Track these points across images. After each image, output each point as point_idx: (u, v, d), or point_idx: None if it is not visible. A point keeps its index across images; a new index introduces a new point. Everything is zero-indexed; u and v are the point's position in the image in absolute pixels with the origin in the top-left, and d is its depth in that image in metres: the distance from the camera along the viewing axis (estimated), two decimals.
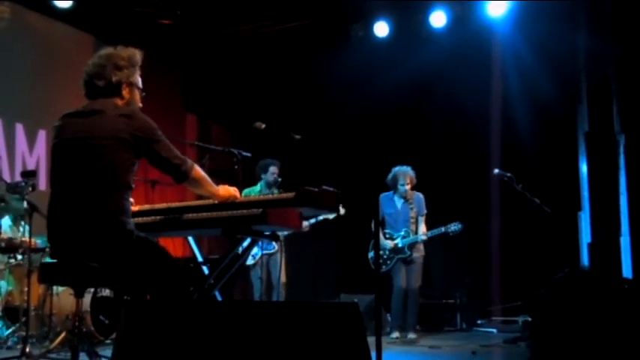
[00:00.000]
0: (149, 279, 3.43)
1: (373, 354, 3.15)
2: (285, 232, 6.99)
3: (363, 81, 9.40)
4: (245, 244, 4.08)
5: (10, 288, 6.13)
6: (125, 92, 3.61)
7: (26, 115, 7.78)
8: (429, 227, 7.59)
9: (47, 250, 5.69)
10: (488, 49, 8.96)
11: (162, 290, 3.46)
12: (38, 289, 6.00)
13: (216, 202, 3.79)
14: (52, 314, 5.87)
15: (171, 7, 9.07)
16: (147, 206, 4.12)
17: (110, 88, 3.57)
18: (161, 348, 2.61)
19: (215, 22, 9.56)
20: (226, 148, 5.15)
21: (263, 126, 4.89)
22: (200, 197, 3.91)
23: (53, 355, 5.29)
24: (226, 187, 3.79)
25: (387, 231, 7.59)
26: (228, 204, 3.76)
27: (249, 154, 5.20)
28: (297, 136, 5.01)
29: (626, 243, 7.52)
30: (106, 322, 6.17)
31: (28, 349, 5.10)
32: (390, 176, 7.60)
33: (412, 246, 7.46)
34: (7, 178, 6.71)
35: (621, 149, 7.75)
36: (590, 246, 8.07)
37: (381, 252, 7.48)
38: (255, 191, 7.43)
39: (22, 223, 6.08)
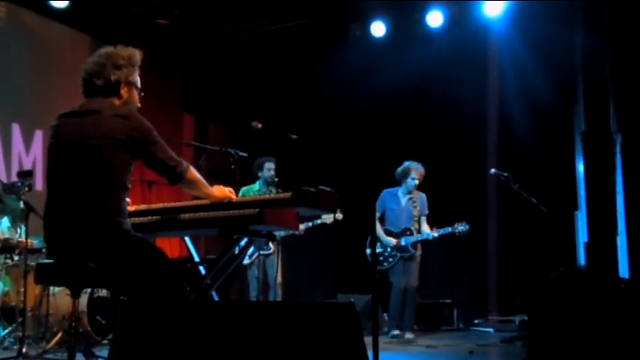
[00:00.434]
0: (145, 279, 3.42)
1: (370, 354, 3.15)
2: (282, 233, 7.01)
3: (360, 81, 9.40)
4: (242, 244, 4.08)
5: (7, 288, 6.12)
6: (124, 92, 3.61)
7: (23, 115, 7.76)
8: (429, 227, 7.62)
9: (44, 250, 5.68)
10: (485, 48, 8.97)
11: (158, 290, 3.45)
12: (35, 290, 5.99)
13: (211, 202, 3.79)
14: (49, 315, 5.87)
15: (169, 6, 9.06)
16: (143, 206, 4.12)
17: (109, 87, 3.57)
18: (158, 348, 2.61)
19: (212, 22, 9.56)
20: (223, 148, 5.14)
21: (260, 126, 4.89)
22: (197, 197, 3.91)
23: (50, 356, 5.29)
24: (221, 187, 3.79)
25: (387, 227, 7.57)
26: (225, 204, 3.76)
27: (245, 154, 5.19)
28: (294, 136, 5.01)
29: (623, 242, 7.52)
30: (103, 322, 6.16)
31: (24, 350, 5.09)
32: (400, 169, 7.56)
33: (414, 244, 7.47)
34: (3, 178, 6.70)
35: (618, 149, 7.74)
36: (587, 245, 8.07)
37: (382, 249, 7.48)
38: (254, 189, 7.45)
39: (19, 223, 6.07)
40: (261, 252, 7.36)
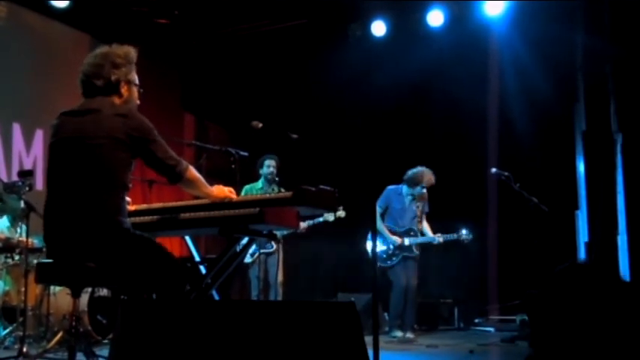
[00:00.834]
0: (146, 278, 3.42)
1: (370, 353, 3.15)
2: (284, 232, 7.01)
3: (361, 80, 9.38)
4: (242, 243, 4.08)
5: (8, 288, 6.12)
6: (124, 90, 3.62)
7: (23, 115, 7.77)
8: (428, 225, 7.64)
9: (44, 249, 5.68)
10: (486, 48, 8.95)
11: (160, 289, 3.45)
12: (35, 289, 6.00)
13: (211, 201, 3.79)
14: (50, 314, 5.87)
15: (169, 6, 9.05)
16: (144, 206, 4.12)
17: (109, 87, 3.57)
18: (158, 347, 2.61)
19: (212, 22, 9.55)
20: (223, 147, 5.14)
21: (260, 125, 4.89)
22: (197, 197, 3.91)
23: (50, 355, 5.28)
24: (221, 187, 3.80)
25: (390, 226, 7.55)
26: (226, 203, 3.77)
27: (246, 154, 5.19)
28: (295, 136, 5.01)
29: (624, 242, 7.52)
30: (104, 321, 6.17)
31: (25, 349, 5.09)
32: (412, 173, 7.51)
33: (417, 245, 7.48)
34: (4, 177, 6.70)
35: (618, 148, 7.74)
36: (588, 245, 8.07)
37: (385, 247, 7.47)
38: (256, 187, 7.48)
39: (20, 223, 6.07)
40: (263, 251, 7.36)
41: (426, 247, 7.69)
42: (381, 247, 7.44)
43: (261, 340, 2.79)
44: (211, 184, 3.79)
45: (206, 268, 4.02)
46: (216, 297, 4.24)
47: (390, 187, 7.63)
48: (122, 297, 3.89)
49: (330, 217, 7.30)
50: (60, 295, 6.00)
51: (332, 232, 8.19)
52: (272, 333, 2.82)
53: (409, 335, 7.32)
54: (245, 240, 4.06)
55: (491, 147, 8.73)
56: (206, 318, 2.74)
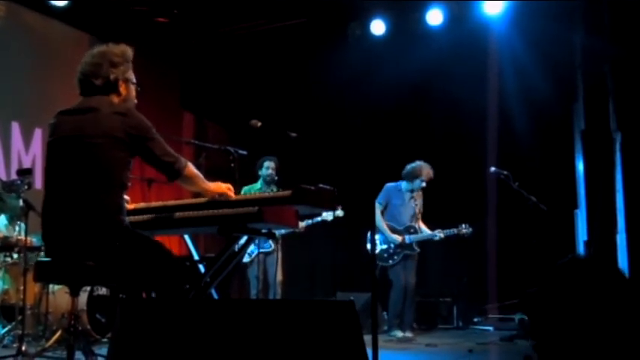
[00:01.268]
0: (145, 277, 3.42)
1: (369, 352, 3.15)
2: (283, 231, 7.01)
3: (360, 79, 9.39)
4: (241, 242, 4.08)
5: (6, 287, 6.12)
6: (122, 89, 3.62)
7: (22, 114, 7.76)
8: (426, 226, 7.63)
9: (43, 248, 5.68)
10: (485, 47, 8.95)
11: (158, 288, 3.46)
12: (34, 288, 6.00)
13: (212, 199, 3.79)
14: (48, 313, 5.87)
15: (168, 5, 9.05)
16: (142, 204, 4.12)
17: (108, 85, 3.57)
18: (157, 346, 2.60)
19: (212, 21, 9.55)
20: (222, 146, 5.13)
21: (259, 124, 4.89)
22: (196, 196, 3.91)
23: (49, 354, 5.29)
24: (219, 183, 3.80)
25: (390, 223, 7.54)
26: (224, 202, 3.76)
27: (245, 153, 5.19)
28: (294, 134, 5.01)
29: (623, 241, 7.52)
30: (103, 320, 6.16)
31: (24, 348, 5.09)
32: (411, 167, 7.50)
33: (418, 243, 7.48)
34: (2, 176, 6.71)
35: (617, 147, 7.74)
36: (587, 244, 8.08)
37: (386, 245, 7.47)
38: (255, 188, 7.47)
39: (18, 222, 6.07)
40: (262, 250, 7.36)
41: (426, 245, 7.69)
42: (381, 247, 7.43)
43: (260, 339, 2.79)
44: (210, 182, 3.79)
45: (205, 266, 4.02)
46: (215, 296, 4.24)
47: (390, 184, 7.62)
48: (121, 296, 3.89)
49: (328, 216, 7.30)
50: (59, 294, 6.00)
51: (331, 231, 8.19)
52: (271, 332, 2.82)
53: (408, 334, 7.32)
54: (244, 239, 4.06)
55: (491, 146, 8.73)
56: (205, 317, 2.74)
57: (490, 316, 9.10)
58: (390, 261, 7.47)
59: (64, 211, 3.40)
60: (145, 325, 2.62)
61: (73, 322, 3.88)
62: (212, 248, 8.04)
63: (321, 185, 3.79)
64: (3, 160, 7.50)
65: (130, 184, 3.55)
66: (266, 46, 9.92)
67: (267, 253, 7.45)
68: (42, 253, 5.77)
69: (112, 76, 3.57)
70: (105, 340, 6.08)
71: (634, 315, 2.20)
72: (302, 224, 7.39)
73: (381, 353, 3.64)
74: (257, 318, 2.84)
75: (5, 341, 5.83)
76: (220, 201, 3.77)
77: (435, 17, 9.04)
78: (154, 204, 4.12)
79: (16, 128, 7.69)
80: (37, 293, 6.03)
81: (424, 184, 7.49)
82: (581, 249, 8.27)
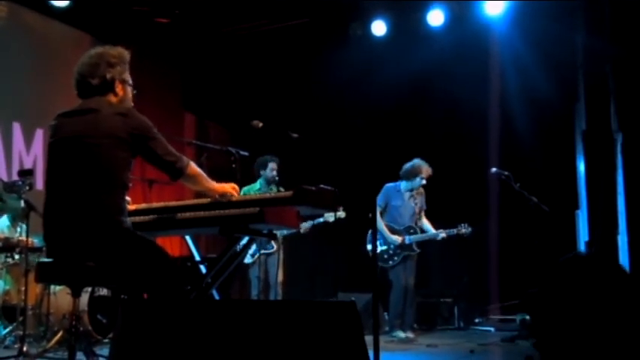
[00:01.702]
0: (146, 278, 3.42)
1: (371, 353, 3.15)
2: (285, 232, 7.01)
3: (361, 80, 9.40)
4: (242, 242, 4.08)
5: (8, 287, 6.13)
6: (118, 89, 3.62)
7: (23, 114, 7.77)
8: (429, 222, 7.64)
9: (44, 249, 5.68)
10: (486, 47, 8.96)
11: (159, 289, 3.45)
12: (35, 289, 6.00)
13: (213, 200, 3.79)
14: (50, 313, 5.87)
15: (169, 5, 9.05)
16: (144, 205, 4.12)
17: (104, 85, 3.57)
18: (158, 347, 2.61)
19: (213, 21, 9.55)
20: (224, 147, 5.13)
21: (260, 124, 4.89)
22: (198, 196, 3.91)
23: (50, 355, 5.29)
24: (223, 184, 3.80)
25: (389, 224, 7.54)
26: (226, 203, 3.76)
27: (246, 153, 5.19)
28: (295, 135, 5.01)
29: (624, 241, 7.52)
30: (104, 321, 6.16)
31: (25, 349, 5.09)
32: (409, 166, 7.49)
33: (418, 243, 7.48)
34: (4, 177, 6.70)
35: (619, 148, 7.74)
36: (588, 244, 8.07)
37: (386, 247, 7.46)
38: (254, 189, 7.44)
39: (20, 223, 6.07)
40: (264, 251, 7.36)
41: (427, 246, 7.68)
42: (381, 248, 7.43)
43: (261, 339, 2.79)
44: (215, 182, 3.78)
45: (206, 267, 4.02)
46: (217, 296, 4.24)
47: (389, 184, 7.61)
48: (122, 296, 3.89)
49: (330, 217, 7.29)
50: (60, 295, 6.00)
51: (332, 231, 8.18)
52: (272, 333, 2.82)
53: (409, 335, 7.32)
54: (245, 239, 4.06)
55: (492, 146, 8.74)
56: (206, 317, 2.74)
57: (491, 316, 9.09)
58: (390, 262, 7.47)
59: (66, 212, 3.40)
60: (147, 326, 2.62)
61: (74, 322, 3.88)
62: (213, 249, 8.05)
63: (322, 186, 3.79)
64: (4, 161, 7.50)
65: (130, 184, 3.55)
66: (267, 46, 9.93)
67: (268, 254, 7.45)
68: (43, 254, 5.79)
69: (108, 76, 3.57)
70: (106, 340, 6.07)
71: (635, 312, 2.20)
72: (306, 225, 7.38)
73: (382, 354, 3.64)
74: (258, 319, 2.84)
75: (7, 342, 5.84)
76: (222, 202, 3.77)
77: (436, 18, 9.04)
78: (155, 205, 4.12)
79: (17, 129, 7.69)
80: (39, 294, 6.03)
81: (424, 182, 7.48)
82: (582, 249, 8.27)
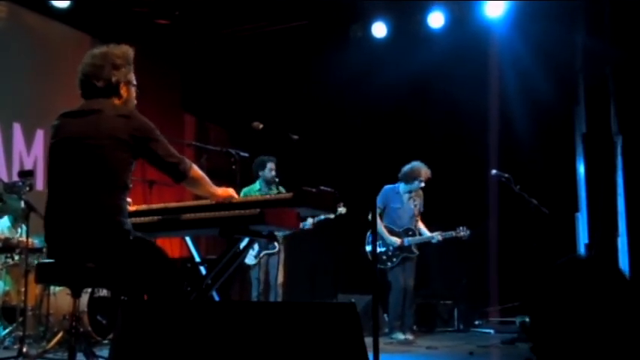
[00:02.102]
0: (146, 279, 3.42)
1: (370, 355, 3.15)
2: (284, 233, 7.01)
3: (361, 81, 9.40)
4: (243, 244, 4.08)
5: (8, 288, 6.13)
6: (123, 91, 3.61)
7: (24, 115, 7.77)
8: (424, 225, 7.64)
9: (44, 250, 5.68)
10: (486, 49, 8.96)
11: (159, 290, 3.45)
12: (35, 289, 5.99)
13: (213, 202, 3.79)
14: (50, 314, 5.87)
15: (169, 7, 9.06)
16: (144, 206, 4.12)
17: (109, 88, 3.56)
18: (158, 348, 2.61)
19: (213, 23, 9.56)
20: (224, 148, 5.14)
21: (261, 126, 4.89)
22: (198, 197, 3.91)
23: (50, 356, 5.29)
24: (225, 188, 3.80)
25: (388, 226, 7.54)
26: (226, 204, 3.76)
27: (246, 155, 5.19)
28: (295, 136, 5.01)
29: (624, 244, 7.53)
30: (104, 322, 6.16)
31: (25, 349, 5.09)
32: (408, 168, 7.49)
33: (417, 245, 7.48)
34: (4, 177, 6.70)
35: (619, 150, 7.75)
36: (588, 247, 8.08)
37: (385, 248, 7.47)
38: (254, 189, 7.45)
39: (22, 224, 6.07)
40: (266, 251, 7.36)
41: (427, 248, 7.69)
42: (380, 249, 7.43)
43: (261, 341, 2.79)
44: (217, 187, 3.78)
45: (206, 268, 4.02)
46: (217, 298, 4.24)
47: (387, 186, 7.61)
48: (122, 297, 3.89)
49: (331, 214, 7.29)
50: (60, 296, 6.00)
51: (332, 233, 8.19)
52: (272, 334, 2.82)
53: (409, 337, 7.32)
54: (245, 241, 4.06)
55: (492, 149, 8.74)
56: (206, 319, 2.74)
57: (491, 318, 9.09)
58: (389, 263, 7.47)
59: (66, 213, 3.41)
60: (147, 327, 2.62)
61: (74, 323, 3.89)
62: (213, 250, 8.05)
63: (322, 187, 3.79)
64: (4, 162, 7.50)
65: (131, 185, 3.55)
66: (267, 47, 9.93)
67: (270, 254, 7.44)
68: (43, 255, 5.79)
69: (113, 79, 3.56)
70: (106, 341, 6.07)
71: (634, 316, 2.20)
72: (310, 220, 7.36)
73: (382, 356, 3.64)
74: (258, 320, 2.84)
75: (6, 343, 5.83)
76: (222, 203, 3.77)
77: (436, 19, 9.05)
78: (155, 206, 4.12)
79: (17, 129, 7.70)
80: (39, 295, 6.02)
81: (423, 185, 7.49)
82: (582, 252, 8.27)
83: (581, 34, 8.40)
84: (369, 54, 9.37)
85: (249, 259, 7.36)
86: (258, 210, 3.61)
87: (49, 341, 5.62)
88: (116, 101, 3.58)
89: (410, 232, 7.50)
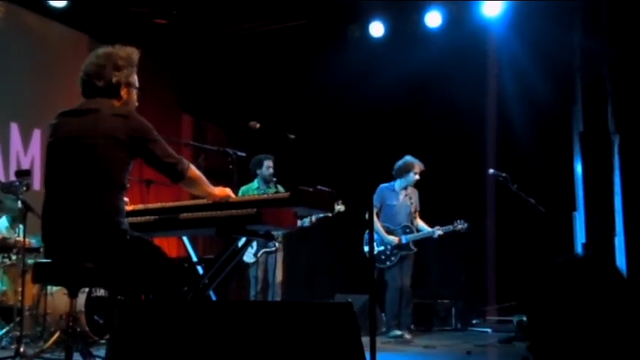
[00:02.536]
0: (143, 279, 3.42)
1: (367, 354, 3.15)
2: (281, 232, 7.01)
3: (359, 81, 9.40)
4: (240, 243, 4.08)
5: (4, 288, 6.12)
6: (123, 93, 3.61)
7: (21, 115, 7.76)
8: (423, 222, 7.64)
9: (41, 249, 5.68)
10: (484, 49, 8.96)
11: (156, 290, 3.45)
12: (32, 289, 5.99)
13: (210, 201, 3.79)
14: (47, 314, 5.87)
15: (167, 6, 9.05)
16: (141, 206, 4.12)
17: (109, 88, 3.56)
18: (155, 348, 2.61)
19: (211, 22, 9.55)
20: (221, 148, 5.14)
21: (258, 126, 4.89)
22: (195, 197, 3.91)
23: (47, 355, 5.27)
24: (221, 188, 3.80)
25: (385, 224, 7.54)
26: (223, 204, 3.77)
27: (244, 154, 5.19)
28: (292, 136, 5.01)
29: (621, 243, 7.53)
30: (101, 322, 6.16)
31: (22, 349, 5.09)
32: (402, 163, 7.51)
33: (415, 242, 7.48)
34: (1, 177, 6.71)
35: (616, 149, 7.75)
36: (585, 246, 8.08)
37: (383, 247, 7.47)
38: (252, 188, 7.46)
39: (20, 224, 6.06)
40: (266, 249, 7.36)
41: (424, 246, 7.69)
42: (378, 248, 7.43)
43: (258, 340, 2.79)
44: (215, 187, 3.78)
45: (203, 268, 4.02)
46: (214, 297, 4.24)
47: (383, 185, 7.62)
48: (119, 297, 3.89)
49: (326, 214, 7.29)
50: (57, 295, 6.00)
51: (329, 232, 8.18)
52: (269, 334, 2.82)
53: (406, 336, 7.32)
54: (243, 240, 4.06)
55: (489, 148, 8.74)
56: (203, 318, 2.74)
57: (488, 317, 9.09)
58: (388, 262, 7.47)
59: (63, 212, 3.40)
60: (143, 327, 2.62)
61: (71, 323, 3.89)
62: (210, 250, 8.04)
63: (319, 187, 3.79)
64: (2, 162, 7.50)
65: (128, 185, 3.55)
66: (265, 47, 9.93)
67: (269, 252, 7.44)
68: (41, 255, 5.78)
69: (114, 79, 3.56)
70: (103, 341, 6.08)
71: (632, 315, 2.20)
72: (306, 220, 7.35)
73: (379, 355, 3.64)
74: (255, 320, 2.84)
75: (3, 343, 5.83)
76: (219, 203, 3.77)
77: (433, 19, 9.05)
78: (152, 205, 4.12)
79: (14, 129, 7.69)
80: (36, 294, 6.02)
81: (417, 177, 7.50)
82: (579, 251, 8.28)
83: (579, 33, 8.41)
84: (366, 54, 9.37)
85: (248, 257, 7.37)
86: (254, 210, 3.61)
87: (46, 341, 5.61)
88: (115, 102, 3.58)
89: (407, 230, 7.51)
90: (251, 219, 3.62)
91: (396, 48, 9.25)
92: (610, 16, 7.80)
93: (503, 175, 7.07)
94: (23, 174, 5.54)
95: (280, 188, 7.22)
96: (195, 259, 4.38)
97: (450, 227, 7.44)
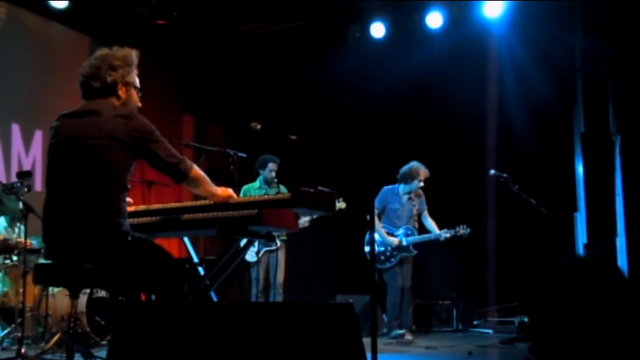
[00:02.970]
0: (145, 280, 3.42)
1: (369, 355, 3.15)
2: (283, 232, 7.02)
3: (360, 82, 9.40)
4: (241, 244, 4.08)
5: (6, 289, 6.12)
6: (121, 92, 3.61)
7: (22, 116, 7.76)
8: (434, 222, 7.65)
9: (43, 250, 5.68)
10: (485, 49, 8.96)
11: (158, 290, 3.45)
12: (34, 290, 5.99)
13: (212, 202, 3.79)
14: (48, 315, 5.87)
15: (168, 7, 9.05)
16: (142, 207, 4.12)
17: (106, 88, 3.56)
18: (156, 349, 2.60)
19: (212, 23, 9.55)
20: (222, 148, 5.14)
21: (259, 126, 4.90)
22: (197, 198, 3.91)
23: (48, 356, 5.28)
24: (224, 188, 3.80)
25: (387, 226, 7.54)
26: (224, 204, 3.76)
27: (245, 155, 5.20)
28: (293, 137, 5.02)
29: (622, 244, 7.53)
30: (102, 323, 6.16)
31: (23, 350, 5.09)
32: (407, 168, 7.50)
33: (415, 244, 7.48)
34: (2, 178, 6.71)
35: (617, 150, 7.75)
36: (586, 247, 8.08)
37: (383, 248, 7.47)
38: (254, 187, 7.48)
39: (18, 224, 6.07)
40: (267, 248, 7.36)
41: (425, 248, 7.69)
42: (378, 249, 7.43)
43: (259, 341, 2.79)
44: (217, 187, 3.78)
45: (204, 269, 4.02)
46: (215, 298, 4.24)
47: (387, 187, 7.63)
48: (120, 298, 3.89)
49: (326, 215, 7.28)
50: (58, 296, 6.00)
51: (330, 233, 8.17)
52: (270, 334, 2.82)
53: (408, 337, 7.32)
54: (244, 241, 4.06)
55: (490, 148, 8.73)
56: (204, 319, 2.74)
57: (490, 319, 9.08)
58: (387, 263, 7.48)
59: (65, 213, 3.40)
60: (145, 328, 2.62)
61: (72, 324, 3.89)
62: (212, 251, 8.05)
63: (320, 188, 3.79)
64: (3, 162, 7.49)
65: (130, 186, 3.55)
66: (266, 48, 9.93)
67: (271, 251, 7.43)
68: (42, 256, 5.79)
69: (109, 79, 3.56)
70: (104, 342, 6.08)
71: (634, 316, 2.20)
72: (306, 217, 7.34)
73: (380, 356, 3.65)
74: (256, 320, 2.84)
75: (5, 344, 5.83)
76: (220, 203, 3.76)
77: (434, 20, 9.04)
78: (153, 206, 4.12)
79: (16, 130, 7.69)
80: (37, 295, 6.02)
81: (422, 185, 7.49)
82: (580, 252, 8.27)
83: (580, 34, 8.41)
84: (367, 54, 9.37)
85: (250, 257, 7.37)
86: (256, 210, 3.61)
87: (47, 342, 5.61)
88: (115, 102, 3.58)
89: (408, 232, 7.51)
90: (252, 220, 3.62)
91: (397, 49, 9.25)
92: (611, 16, 7.81)
93: (505, 175, 7.07)
94: (24, 175, 5.53)
95: (282, 188, 7.22)
96: (196, 260, 4.39)
97: (452, 232, 7.44)
